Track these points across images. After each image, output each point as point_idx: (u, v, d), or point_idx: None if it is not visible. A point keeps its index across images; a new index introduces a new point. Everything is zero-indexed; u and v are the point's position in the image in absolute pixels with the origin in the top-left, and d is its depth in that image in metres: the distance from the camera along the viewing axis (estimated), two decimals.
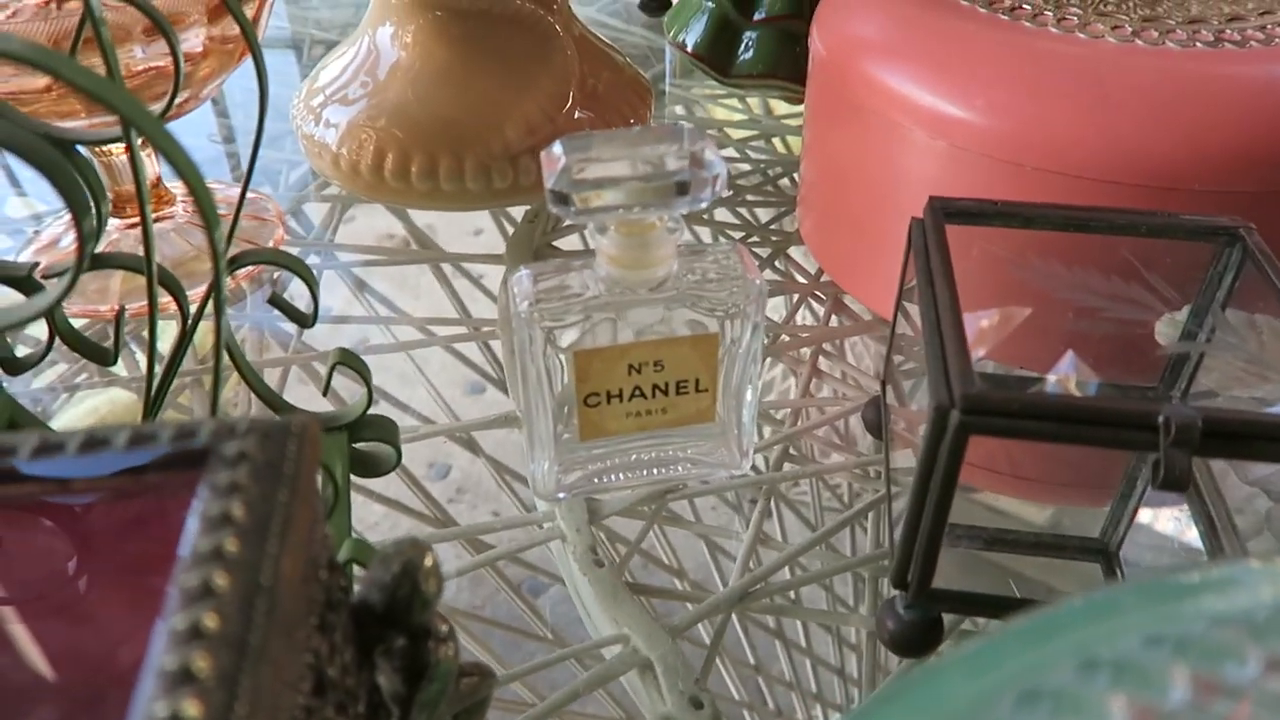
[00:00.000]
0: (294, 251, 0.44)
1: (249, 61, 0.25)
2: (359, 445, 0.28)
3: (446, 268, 0.48)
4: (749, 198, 0.49)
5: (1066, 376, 0.30)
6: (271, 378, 0.37)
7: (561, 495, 0.28)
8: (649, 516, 0.34)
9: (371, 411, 0.28)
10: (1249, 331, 0.28)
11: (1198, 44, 0.29)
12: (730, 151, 0.54)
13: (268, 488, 0.12)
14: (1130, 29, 0.29)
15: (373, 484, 0.31)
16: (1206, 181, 0.27)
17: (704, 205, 0.23)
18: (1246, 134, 0.27)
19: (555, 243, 0.46)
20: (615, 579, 0.30)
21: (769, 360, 0.41)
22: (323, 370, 0.26)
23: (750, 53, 0.48)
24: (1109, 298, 0.28)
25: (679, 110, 0.58)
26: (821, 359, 0.39)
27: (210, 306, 0.19)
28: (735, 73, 0.48)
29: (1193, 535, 0.27)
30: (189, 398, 0.38)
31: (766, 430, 0.36)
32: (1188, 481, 0.18)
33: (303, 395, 0.32)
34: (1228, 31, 0.29)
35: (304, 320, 0.25)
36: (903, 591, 0.22)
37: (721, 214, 0.49)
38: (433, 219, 0.58)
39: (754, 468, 0.30)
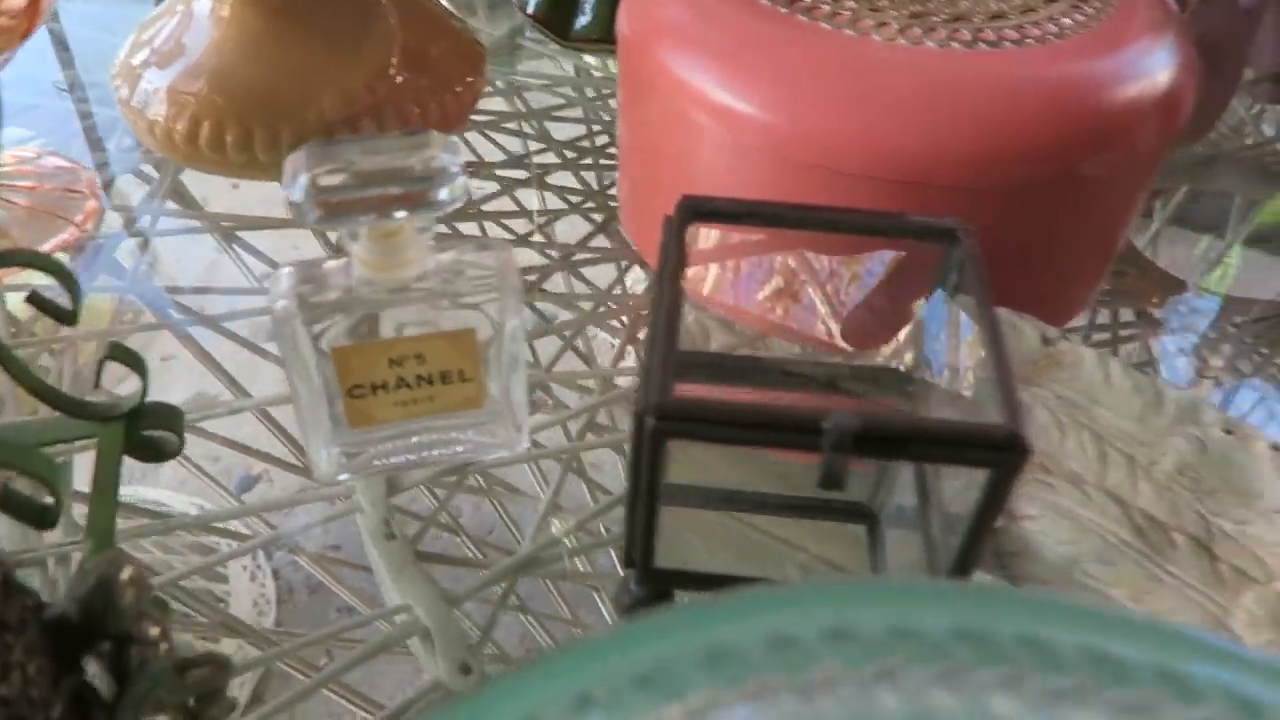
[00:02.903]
0: (118, 221, 0.44)
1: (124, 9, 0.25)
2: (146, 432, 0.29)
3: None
4: (589, 160, 0.50)
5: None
6: None
7: (343, 477, 0.29)
8: (451, 487, 0.35)
9: (159, 400, 0.29)
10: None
11: (954, 44, 0.30)
12: (578, 111, 0.54)
13: None
14: (896, 26, 0.31)
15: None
16: (953, 178, 0.29)
17: (447, 211, 0.24)
18: (989, 133, 0.29)
19: None
20: (404, 551, 0.31)
21: (591, 329, 0.42)
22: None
23: (588, 16, 0.48)
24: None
25: (530, 66, 0.58)
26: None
27: None
28: (574, 36, 0.49)
29: None
30: None
31: (574, 399, 0.38)
32: (842, 483, 0.20)
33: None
34: (985, 31, 0.31)
35: (64, 318, 0.26)
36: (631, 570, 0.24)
37: (564, 178, 0.50)
38: None
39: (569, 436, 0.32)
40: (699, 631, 0.13)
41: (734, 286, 0.32)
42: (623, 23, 0.36)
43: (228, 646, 0.86)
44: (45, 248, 0.36)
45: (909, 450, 0.20)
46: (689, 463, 0.31)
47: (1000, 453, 0.20)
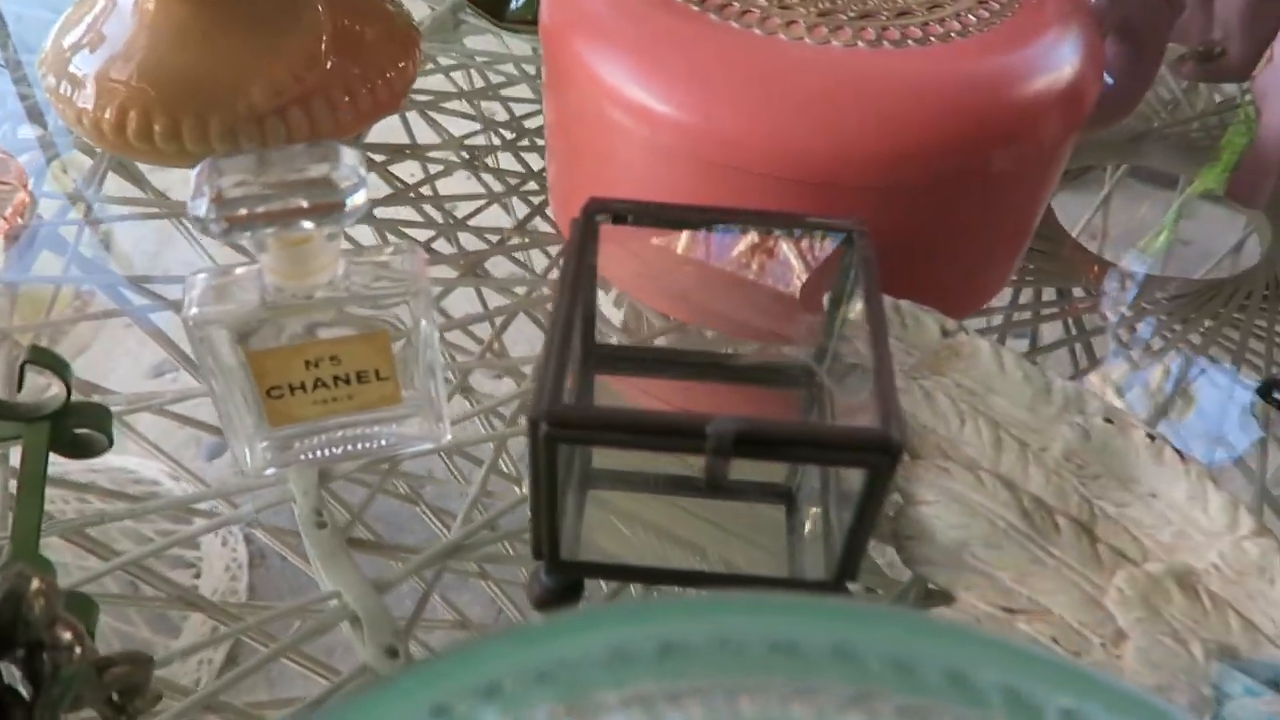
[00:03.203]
0: (51, 211, 0.44)
1: None
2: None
3: None
4: (527, 142, 0.50)
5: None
6: None
7: (270, 471, 0.30)
8: (383, 474, 0.36)
9: (82, 398, 0.30)
10: (894, 314, 0.31)
11: (860, 42, 0.31)
12: (523, 89, 0.55)
13: None
14: (804, 24, 0.31)
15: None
16: (859, 178, 0.30)
17: (350, 222, 0.24)
18: (893, 132, 0.30)
19: None
20: (334, 540, 0.32)
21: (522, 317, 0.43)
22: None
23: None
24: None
25: (473, 43, 0.58)
26: None
27: None
28: (509, 17, 0.49)
29: None
30: None
31: (509, 385, 0.39)
32: (724, 483, 0.21)
33: None
34: (890, 29, 0.31)
35: None
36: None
37: (506, 160, 0.51)
38: None
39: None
40: (602, 633, 0.14)
41: (708, 244, 0.32)
42: (544, 10, 0.36)
43: (194, 620, 0.87)
44: None
45: (787, 453, 0.22)
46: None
47: (873, 454, 0.22)
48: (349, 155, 0.24)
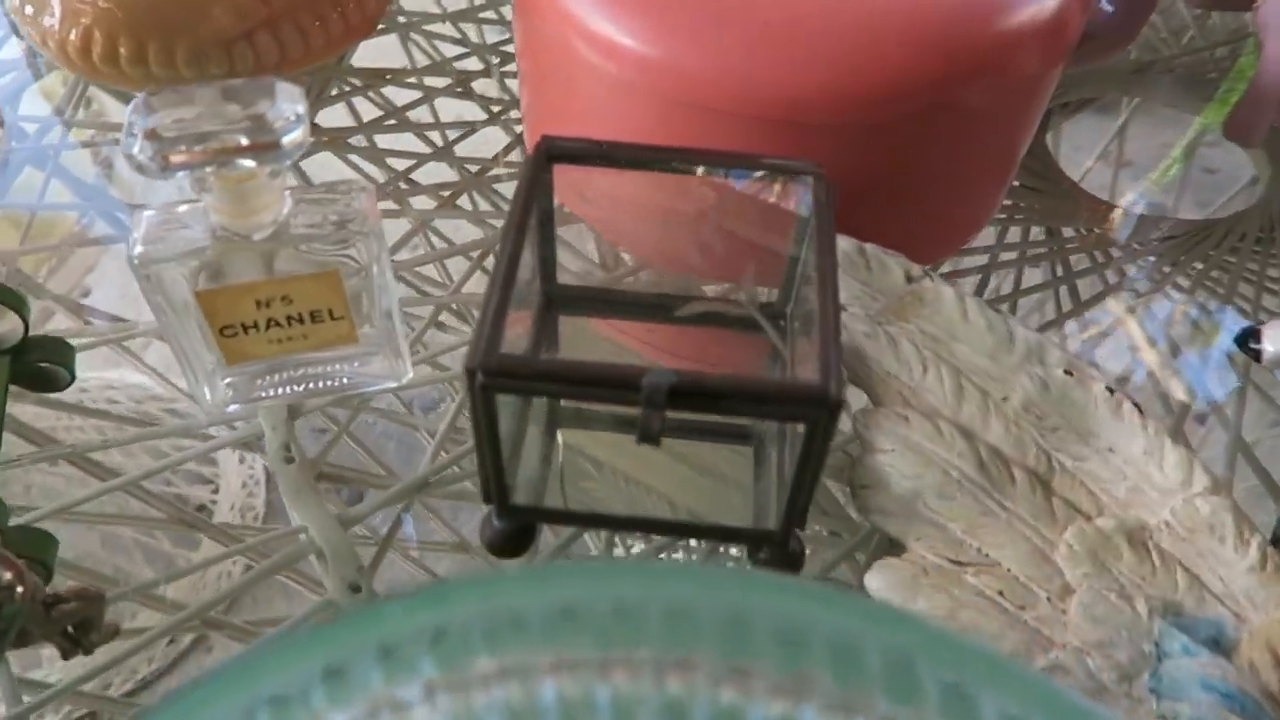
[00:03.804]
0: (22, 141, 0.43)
1: None
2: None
3: None
4: (513, 67, 0.49)
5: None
6: None
7: (231, 409, 0.30)
8: (354, 409, 0.36)
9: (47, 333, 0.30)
10: (859, 257, 0.31)
11: None
12: (507, 10, 0.53)
13: None
14: None
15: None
16: (820, 115, 0.29)
17: (288, 162, 0.24)
18: (859, 67, 0.29)
19: (321, 113, 0.46)
20: (301, 474, 0.32)
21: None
22: None
23: None
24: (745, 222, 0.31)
25: None
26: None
27: None
28: None
29: None
30: None
31: None
32: (657, 437, 0.21)
33: None
34: None
35: None
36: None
37: (489, 86, 0.49)
38: None
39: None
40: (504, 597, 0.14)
41: (668, 184, 0.31)
42: None
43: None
44: None
45: (725, 406, 0.21)
46: None
47: (812, 408, 0.21)
48: (286, 91, 0.23)
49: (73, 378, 0.30)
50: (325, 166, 0.46)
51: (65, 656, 0.24)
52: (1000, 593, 0.25)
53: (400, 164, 0.44)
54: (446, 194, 0.43)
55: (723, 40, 0.29)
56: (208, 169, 0.23)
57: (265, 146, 0.23)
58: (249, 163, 0.23)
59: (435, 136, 0.47)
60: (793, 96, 0.29)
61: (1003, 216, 0.43)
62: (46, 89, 0.48)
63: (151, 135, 0.23)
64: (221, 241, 0.25)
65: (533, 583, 0.14)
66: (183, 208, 0.26)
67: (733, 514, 0.31)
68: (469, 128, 0.46)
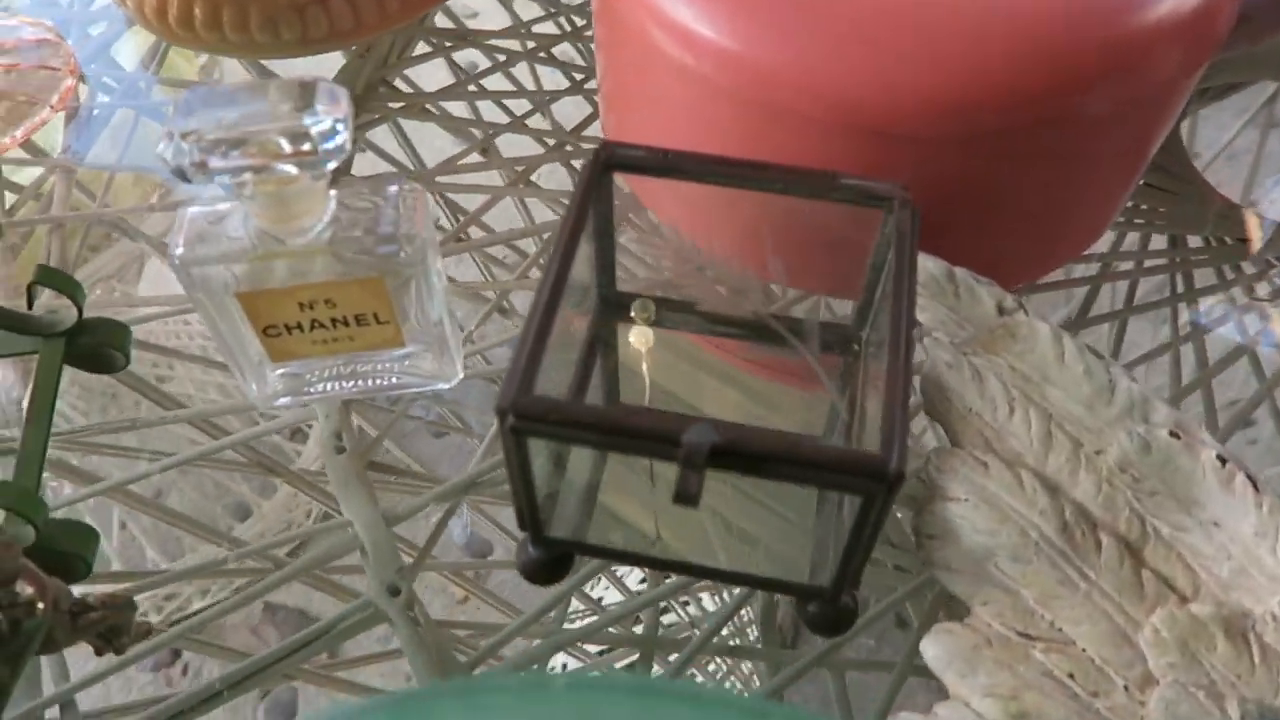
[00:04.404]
0: (104, 100, 0.43)
1: None
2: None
3: None
4: None
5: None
6: None
7: (281, 401, 0.30)
8: (407, 401, 0.36)
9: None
10: (948, 283, 0.28)
11: None
12: None
13: None
14: None
15: None
16: (915, 126, 0.26)
17: (329, 168, 0.22)
18: (954, 74, 0.26)
19: (403, 74, 0.44)
20: (350, 465, 0.32)
21: None
22: None
23: None
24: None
25: None
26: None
27: None
28: None
29: None
30: None
31: None
32: (696, 498, 0.19)
33: None
34: None
35: None
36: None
37: (566, 51, 0.47)
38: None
39: None
40: None
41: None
42: None
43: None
44: (18, 134, 0.37)
45: (771, 469, 0.19)
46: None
47: (869, 481, 0.19)
48: (329, 93, 0.22)
49: (127, 360, 0.30)
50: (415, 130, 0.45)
51: (98, 653, 0.24)
52: (1071, 675, 0.23)
53: (475, 134, 0.43)
54: (521, 168, 0.42)
55: (808, 36, 0.26)
56: (246, 175, 0.22)
57: (305, 155, 0.22)
58: (289, 169, 0.22)
59: (518, 106, 0.45)
60: (884, 102, 0.26)
61: (1120, 220, 0.39)
62: (139, 40, 0.48)
63: (190, 137, 0.22)
64: (262, 245, 0.24)
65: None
66: (225, 206, 0.25)
67: (791, 550, 0.29)
68: (551, 96, 0.44)
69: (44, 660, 0.27)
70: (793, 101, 0.26)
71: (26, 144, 0.40)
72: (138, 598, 0.25)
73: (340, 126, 0.22)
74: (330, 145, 0.22)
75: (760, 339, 0.28)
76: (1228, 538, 0.24)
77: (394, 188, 0.25)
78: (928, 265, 0.27)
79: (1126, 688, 0.23)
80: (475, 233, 0.44)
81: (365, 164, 0.53)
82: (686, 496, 0.19)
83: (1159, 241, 0.40)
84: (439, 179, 0.41)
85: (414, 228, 0.25)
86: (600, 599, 0.72)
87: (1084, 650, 0.23)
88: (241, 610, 1.09)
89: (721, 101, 0.28)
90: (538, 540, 0.24)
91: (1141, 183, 0.41)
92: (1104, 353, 0.39)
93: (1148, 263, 0.39)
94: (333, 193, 0.25)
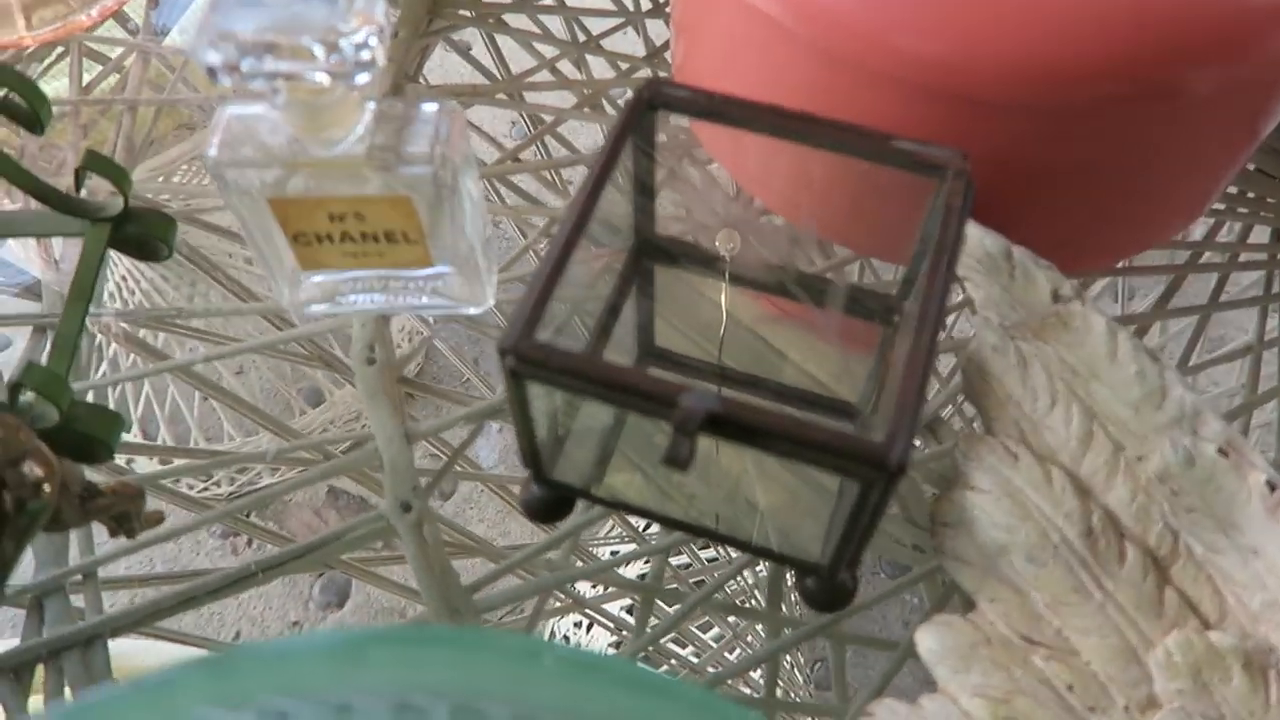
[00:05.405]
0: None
1: None
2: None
3: None
4: None
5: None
6: None
7: (313, 309, 0.30)
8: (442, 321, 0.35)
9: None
10: (1004, 262, 0.26)
11: None
12: None
13: None
14: None
15: None
16: (991, 91, 0.24)
17: (364, 80, 0.22)
18: (1039, 39, 0.24)
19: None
20: (379, 378, 0.32)
21: None
22: None
23: None
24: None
25: None
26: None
27: None
28: None
29: None
30: None
31: None
32: (686, 463, 0.19)
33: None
34: None
35: (32, 126, 0.26)
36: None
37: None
38: None
39: None
40: None
41: None
42: None
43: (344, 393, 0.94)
44: (93, 13, 0.37)
45: (769, 445, 0.19)
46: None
47: (868, 470, 0.18)
48: (366, 3, 0.21)
49: (171, 251, 0.30)
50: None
51: (111, 534, 0.25)
52: (1070, 687, 0.22)
53: (547, 52, 0.41)
54: (586, 93, 0.40)
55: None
56: (278, 81, 0.22)
57: (337, 65, 0.21)
58: (321, 78, 0.22)
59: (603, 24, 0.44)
60: (960, 63, 0.24)
61: (1220, 207, 0.36)
62: None
63: (223, 38, 0.21)
64: (294, 153, 0.24)
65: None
66: (263, 109, 0.24)
67: (802, 521, 0.28)
68: (622, 19, 0.43)
69: (74, 534, 0.28)
70: (863, 54, 0.25)
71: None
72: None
73: (373, 39, 0.21)
74: (363, 56, 0.21)
75: (790, 296, 0.27)
76: (1265, 568, 0.22)
77: (432, 107, 0.25)
78: (985, 241, 0.26)
79: (1127, 708, 0.22)
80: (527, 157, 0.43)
81: (451, 65, 0.52)
82: (676, 460, 0.19)
83: (1261, 234, 0.37)
84: (501, 96, 0.40)
85: (449, 149, 0.24)
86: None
87: (1088, 663, 0.22)
88: (306, 491, 1.14)
89: (789, 46, 0.26)
90: (539, 479, 0.24)
91: (1251, 167, 0.38)
92: (1189, 343, 0.36)
93: (1244, 256, 0.36)
94: (370, 105, 0.24)
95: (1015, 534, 0.24)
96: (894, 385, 0.20)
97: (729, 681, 0.33)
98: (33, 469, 0.21)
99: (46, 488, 0.21)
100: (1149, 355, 0.24)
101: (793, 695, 0.79)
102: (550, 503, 0.25)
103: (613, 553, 0.82)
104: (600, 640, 0.89)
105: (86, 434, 0.25)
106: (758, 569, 0.63)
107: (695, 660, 0.74)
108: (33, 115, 0.26)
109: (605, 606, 0.71)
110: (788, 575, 0.27)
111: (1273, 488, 0.22)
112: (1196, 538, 0.23)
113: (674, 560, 0.81)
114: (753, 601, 0.69)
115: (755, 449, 0.19)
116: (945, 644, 0.23)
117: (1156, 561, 0.23)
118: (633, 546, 0.73)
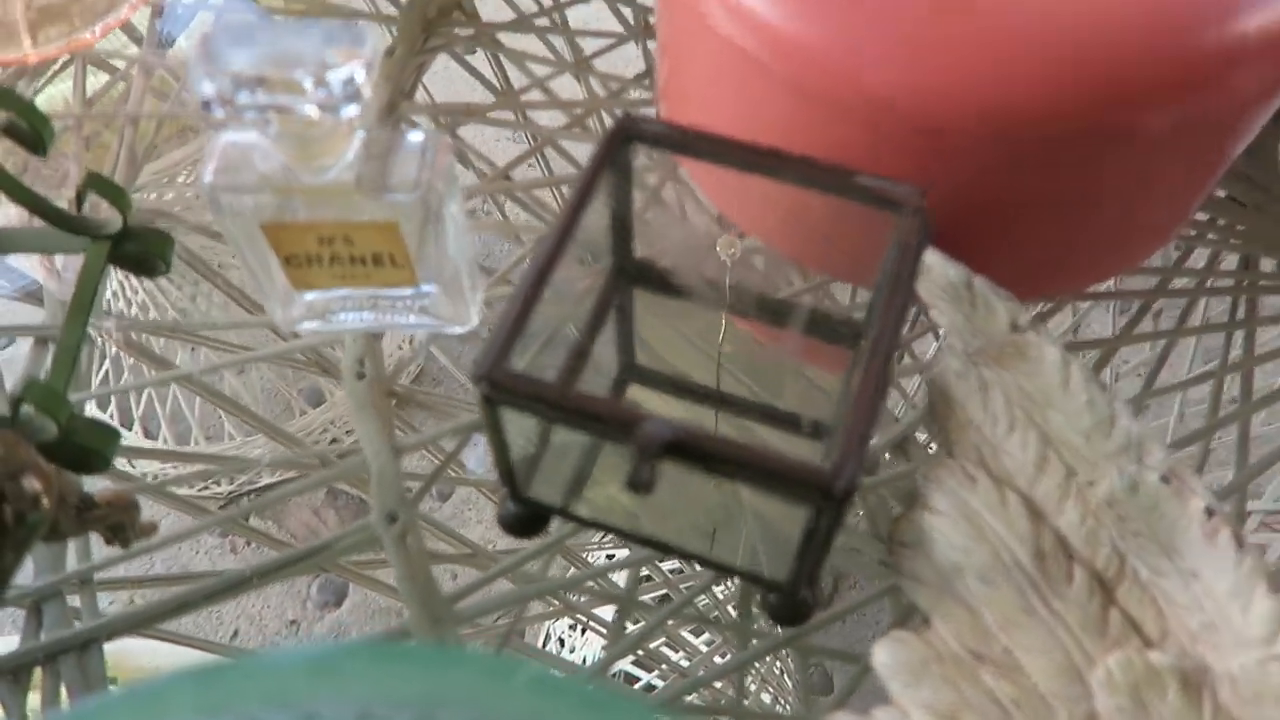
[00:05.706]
0: None
1: None
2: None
3: None
4: None
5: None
6: None
7: (305, 325, 0.31)
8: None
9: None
10: (965, 291, 0.27)
11: None
12: None
13: None
14: None
15: None
16: (955, 122, 0.25)
17: (351, 113, 0.23)
18: (1003, 75, 0.25)
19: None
20: (368, 392, 0.33)
21: None
22: None
23: None
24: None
25: None
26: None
27: None
28: None
29: None
30: None
31: None
32: (649, 487, 0.20)
33: None
34: None
35: (36, 148, 0.27)
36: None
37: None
38: None
39: None
40: None
41: None
42: None
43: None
44: (97, 30, 0.38)
45: (723, 469, 0.20)
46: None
47: (815, 496, 0.19)
48: (352, 38, 0.22)
49: (168, 267, 0.31)
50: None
51: (107, 543, 0.26)
52: (1015, 702, 0.23)
53: (539, 71, 0.42)
54: (578, 112, 0.41)
55: (850, 21, 0.25)
56: (269, 113, 0.23)
57: (325, 101, 0.22)
58: (310, 111, 0.23)
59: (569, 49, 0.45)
60: (925, 99, 0.25)
61: (1190, 234, 0.37)
62: None
63: (218, 72, 0.22)
64: (285, 180, 0.25)
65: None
66: (255, 137, 0.25)
67: (773, 538, 0.29)
68: (614, 39, 0.44)
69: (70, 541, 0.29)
70: (835, 90, 0.26)
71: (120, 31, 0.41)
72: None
73: (360, 74, 0.22)
74: (350, 90, 0.22)
75: (761, 319, 0.28)
76: (1203, 590, 0.23)
77: (419, 136, 0.26)
78: (948, 271, 0.27)
79: None
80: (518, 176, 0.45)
81: (453, 76, 0.54)
82: (638, 485, 0.20)
83: (1231, 261, 0.38)
84: (492, 115, 0.41)
85: (435, 176, 0.25)
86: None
87: (1033, 680, 0.23)
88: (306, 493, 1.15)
89: (766, 81, 0.27)
90: (515, 497, 0.25)
91: (1222, 193, 0.39)
92: (1158, 365, 0.37)
93: (1214, 283, 0.37)
94: (359, 134, 0.25)
95: (971, 555, 0.25)
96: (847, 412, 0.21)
97: (703, 690, 0.34)
98: (31, 483, 0.22)
99: (45, 501, 0.22)
100: (1098, 385, 0.25)
101: (781, 700, 0.81)
102: (525, 519, 0.26)
103: (609, 556, 0.84)
104: (594, 642, 0.90)
105: (84, 446, 0.26)
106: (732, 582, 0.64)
107: (686, 665, 0.75)
108: (36, 137, 0.27)
109: (598, 611, 0.72)
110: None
111: (1210, 514, 0.23)
112: (1142, 561, 0.24)
113: (666, 566, 0.83)
114: (731, 611, 0.70)
115: (711, 474, 0.20)
116: (898, 659, 0.24)
117: (1103, 583, 0.24)
118: (625, 553, 0.74)
